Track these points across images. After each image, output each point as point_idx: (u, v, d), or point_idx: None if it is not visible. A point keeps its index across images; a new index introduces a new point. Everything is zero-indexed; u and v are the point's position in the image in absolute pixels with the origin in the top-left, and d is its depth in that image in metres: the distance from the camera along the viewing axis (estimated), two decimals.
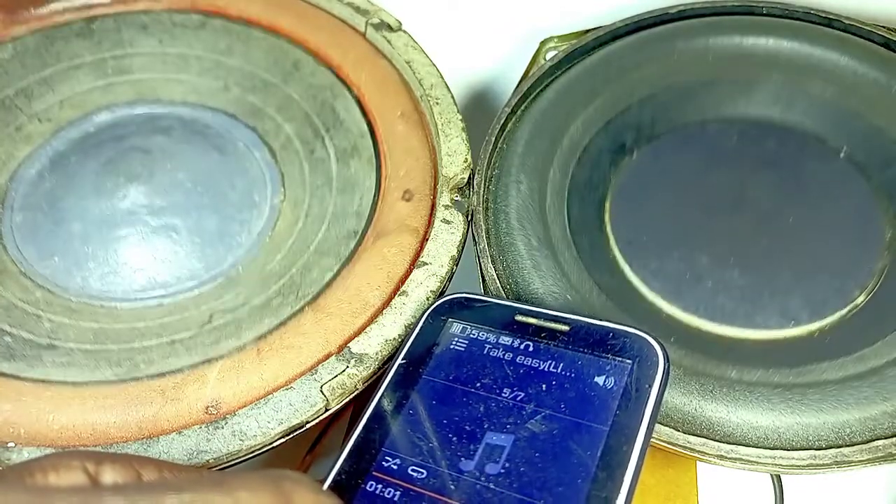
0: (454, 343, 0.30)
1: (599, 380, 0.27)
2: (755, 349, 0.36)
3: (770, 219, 0.39)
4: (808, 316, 0.36)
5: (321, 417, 0.32)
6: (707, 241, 0.39)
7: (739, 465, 0.31)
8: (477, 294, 0.32)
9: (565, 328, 0.30)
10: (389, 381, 0.29)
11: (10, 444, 0.30)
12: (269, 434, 0.30)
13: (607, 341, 0.29)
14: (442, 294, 0.35)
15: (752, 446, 0.31)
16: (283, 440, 0.31)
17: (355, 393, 0.32)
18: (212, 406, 0.31)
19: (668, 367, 0.27)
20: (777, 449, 0.31)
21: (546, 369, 0.28)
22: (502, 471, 0.25)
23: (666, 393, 0.32)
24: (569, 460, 0.25)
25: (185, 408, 0.31)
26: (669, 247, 0.39)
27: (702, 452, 0.31)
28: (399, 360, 0.30)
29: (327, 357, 0.33)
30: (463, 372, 0.29)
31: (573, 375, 0.28)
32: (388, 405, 0.28)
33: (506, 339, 0.30)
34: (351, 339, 0.33)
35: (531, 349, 0.29)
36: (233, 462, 0.30)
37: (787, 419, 0.31)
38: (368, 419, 0.28)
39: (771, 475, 0.43)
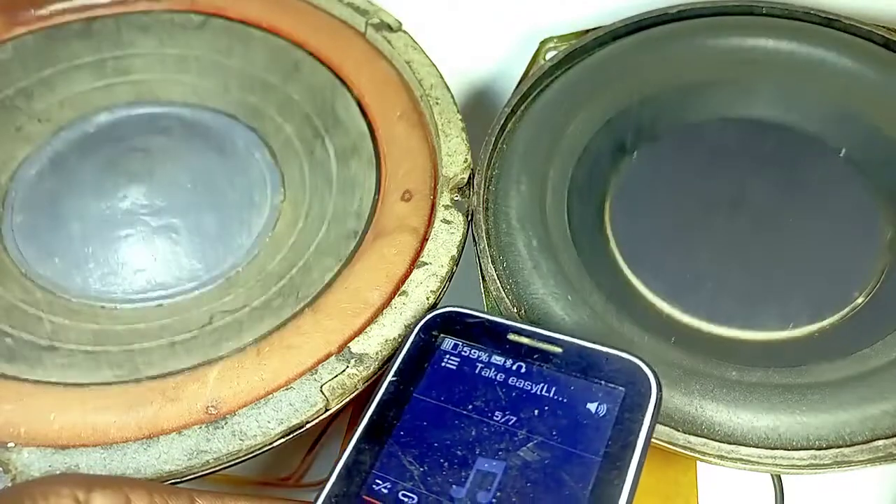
0: (446, 361, 0.30)
1: (591, 406, 0.27)
2: (755, 349, 0.35)
3: (770, 219, 0.39)
4: (807, 316, 0.36)
5: (321, 417, 0.32)
6: (707, 241, 0.39)
7: (740, 465, 0.31)
8: (469, 309, 0.32)
9: (558, 350, 0.29)
10: (380, 399, 0.29)
11: (10, 445, 0.30)
12: (269, 434, 0.30)
13: (600, 366, 0.28)
14: (442, 294, 0.35)
15: (753, 446, 0.31)
16: (283, 440, 0.31)
17: (355, 393, 0.32)
18: (212, 406, 0.31)
19: (661, 395, 0.27)
20: (777, 449, 0.31)
21: (538, 393, 0.28)
22: (493, 500, 0.25)
23: (663, 403, 0.31)
24: (560, 491, 0.25)
25: (185, 408, 0.31)
26: (669, 247, 0.39)
27: (702, 452, 0.31)
28: (390, 377, 0.29)
29: (327, 357, 0.33)
30: (454, 392, 0.29)
31: (565, 401, 0.27)
32: (378, 425, 0.28)
33: (498, 359, 0.29)
34: (351, 339, 0.33)
35: (524, 370, 0.29)
36: (233, 462, 0.30)
37: (788, 419, 0.31)
38: (359, 439, 0.27)
39: (771, 475, 0.43)
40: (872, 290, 0.37)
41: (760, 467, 0.31)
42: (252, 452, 0.31)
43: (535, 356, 0.29)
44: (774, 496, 0.43)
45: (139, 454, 0.30)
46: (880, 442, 0.30)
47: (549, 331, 0.30)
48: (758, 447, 0.31)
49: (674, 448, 0.31)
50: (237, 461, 0.30)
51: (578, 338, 0.30)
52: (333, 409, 0.32)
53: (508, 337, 0.30)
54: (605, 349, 0.29)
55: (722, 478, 0.42)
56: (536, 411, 0.27)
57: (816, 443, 0.31)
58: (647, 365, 0.28)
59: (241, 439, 0.30)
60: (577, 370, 0.28)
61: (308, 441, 0.45)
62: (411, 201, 0.38)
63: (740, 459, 0.31)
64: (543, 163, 0.40)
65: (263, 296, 0.37)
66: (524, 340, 0.30)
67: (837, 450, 0.30)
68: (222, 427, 0.30)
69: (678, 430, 0.31)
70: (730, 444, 0.31)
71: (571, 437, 0.26)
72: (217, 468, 0.30)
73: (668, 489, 0.39)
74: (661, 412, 0.32)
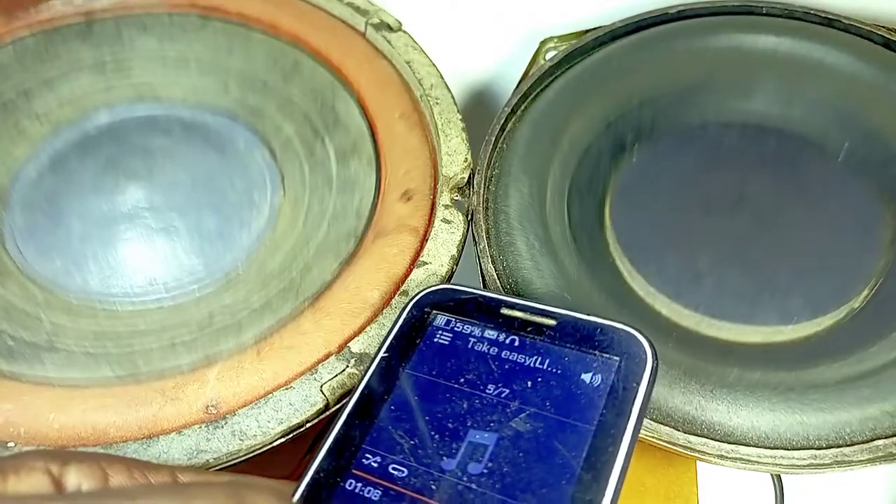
0: (438, 336, 0.29)
1: (586, 377, 0.27)
2: (755, 349, 0.36)
3: (770, 218, 0.39)
4: (808, 315, 0.36)
5: (321, 417, 0.32)
6: (707, 241, 0.39)
7: (740, 465, 0.31)
8: (461, 285, 0.31)
9: (552, 322, 0.28)
10: (371, 375, 0.28)
11: (10, 444, 0.30)
12: (269, 434, 0.30)
13: (595, 337, 0.28)
14: None
15: (753, 446, 0.31)
16: (283, 440, 0.31)
17: None
18: (212, 406, 0.31)
19: (657, 364, 0.26)
20: (777, 449, 0.31)
21: (532, 365, 0.27)
22: (485, 471, 0.24)
23: (661, 392, 0.32)
24: (553, 461, 0.24)
25: (185, 407, 0.31)
26: (669, 247, 0.39)
27: (702, 452, 0.31)
28: (381, 354, 0.29)
29: (327, 357, 0.33)
30: (446, 367, 0.28)
31: (559, 372, 0.27)
32: (368, 400, 0.27)
33: (491, 333, 0.29)
34: (351, 338, 0.33)
35: (517, 344, 0.28)
36: (233, 462, 0.30)
37: (788, 419, 0.31)
38: (348, 415, 0.27)
39: (771, 475, 0.43)
40: (873, 289, 0.37)
41: (760, 467, 0.31)
42: (252, 452, 0.31)
43: (529, 329, 0.29)
44: (774, 496, 0.43)
45: (139, 454, 0.30)
46: (880, 442, 0.30)
47: (542, 304, 0.30)
48: (758, 447, 0.31)
49: (674, 448, 0.31)
50: (237, 461, 0.30)
51: (572, 310, 0.29)
52: (333, 408, 0.32)
53: (501, 311, 0.30)
54: (599, 320, 0.28)
55: (722, 478, 0.42)
56: (530, 383, 0.27)
57: (816, 443, 0.31)
58: (643, 334, 0.27)
59: (240, 439, 0.30)
60: (571, 342, 0.28)
61: (308, 441, 0.45)
62: (411, 201, 0.38)
63: (740, 459, 0.31)
64: (543, 163, 0.40)
65: (263, 295, 0.37)
66: (517, 314, 0.29)
67: (837, 450, 0.30)
68: (222, 427, 0.30)
69: (678, 430, 0.31)
70: (730, 443, 0.31)
71: (565, 407, 0.26)
72: (217, 468, 0.30)
73: (668, 489, 0.39)
74: (661, 412, 0.32)
